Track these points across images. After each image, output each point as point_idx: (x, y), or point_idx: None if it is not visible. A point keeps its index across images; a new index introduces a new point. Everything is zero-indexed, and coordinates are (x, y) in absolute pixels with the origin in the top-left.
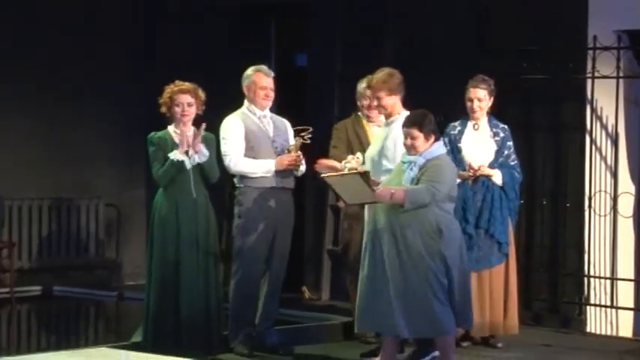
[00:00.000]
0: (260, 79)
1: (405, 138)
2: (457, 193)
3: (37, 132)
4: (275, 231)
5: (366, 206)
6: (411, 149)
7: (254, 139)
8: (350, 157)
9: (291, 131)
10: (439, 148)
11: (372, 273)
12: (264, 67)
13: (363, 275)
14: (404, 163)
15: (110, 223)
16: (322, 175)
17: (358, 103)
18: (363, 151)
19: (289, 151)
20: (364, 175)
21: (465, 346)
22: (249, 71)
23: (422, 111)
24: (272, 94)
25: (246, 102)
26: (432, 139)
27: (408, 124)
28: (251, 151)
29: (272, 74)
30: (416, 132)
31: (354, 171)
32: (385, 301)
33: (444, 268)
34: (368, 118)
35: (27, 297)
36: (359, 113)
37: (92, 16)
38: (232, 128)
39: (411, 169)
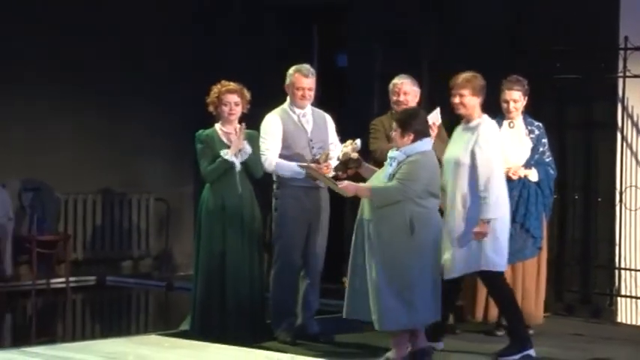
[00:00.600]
0: (298, 79)
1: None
2: None
3: (91, 130)
4: (310, 225)
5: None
6: (397, 144)
7: (291, 138)
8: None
9: (331, 125)
10: (422, 145)
11: (353, 262)
12: (304, 68)
13: (349, 264)
14: (389, 158)
15: (160, 216)
16: (299, 164)
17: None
18: None
19: (318, 161)
20: (340, 168)
21: (499, 335)
22: (291, 71)
23: (413, 109)
24: (309, 94)
25: (287, 99)
26: (412, 137)
27: (395, 116)
28: (287, 150)
29: (312, 74)
30: (395, 125)
31: (311, 165)
32: (363, 291)
33: (411, 263)
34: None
35: (81, 287)
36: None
37: (144, 17)
38: (270, 127)
39: (391, 165)
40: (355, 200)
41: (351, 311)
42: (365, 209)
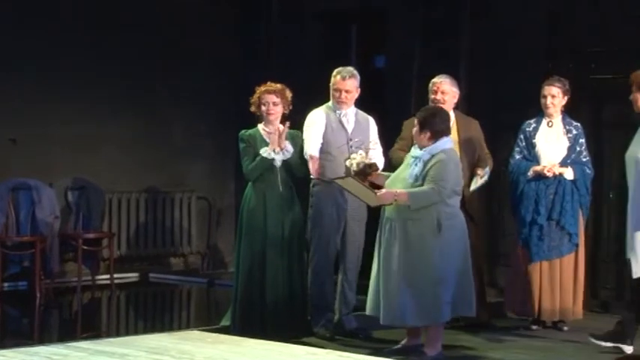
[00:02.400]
0: (336, 81)
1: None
2: (531, 187)
3: (135, 130)
4: (346, 223)
5: None
6: (416, 142)
7: (331, 134)
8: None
9: (373, 127)
10: (445, 143)
11: (377, 259)
12: (345, 70)
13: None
14: (411, 157)
15: (202, 214)
16: (333, 179)
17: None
18: None
19: (363, 171)
20: (359, 178)
21: (534, 329)
22: (334, 72)
23: (435, 108)
24: (346, 97)
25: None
26: (428, 135)
27: (417, 118)
28: (326, 146)
29: (351, 76)
30: (418, 127)
31: (349, 178)
32: (380, 287)
33: (437, 261)
34: None
35: (125, 283)
36: None
37: (190, 18)
38: (312, 120)
39: (416, 165)
40: None
41: (376, 307)
42: (388, 208)
